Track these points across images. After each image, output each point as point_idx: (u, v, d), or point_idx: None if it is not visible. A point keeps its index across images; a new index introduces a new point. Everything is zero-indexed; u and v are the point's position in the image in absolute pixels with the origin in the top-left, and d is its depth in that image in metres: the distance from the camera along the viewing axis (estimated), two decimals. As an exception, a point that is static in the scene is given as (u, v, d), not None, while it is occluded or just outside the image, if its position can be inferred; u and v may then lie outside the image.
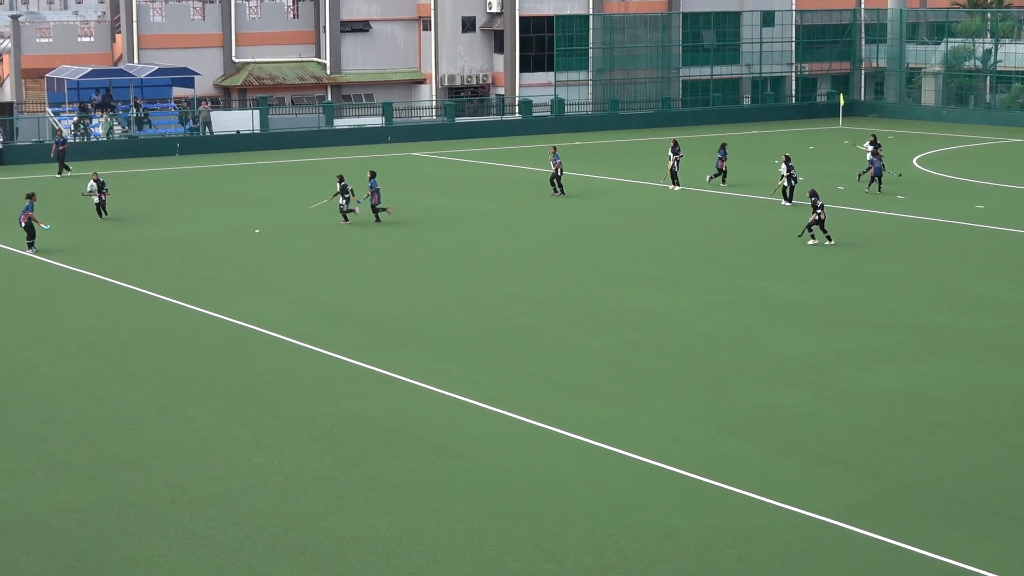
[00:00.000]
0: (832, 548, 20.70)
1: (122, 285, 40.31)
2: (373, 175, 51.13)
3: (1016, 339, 33.27)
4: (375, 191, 50.67)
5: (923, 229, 49.56)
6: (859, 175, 59.85)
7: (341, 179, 50.36)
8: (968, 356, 31.78)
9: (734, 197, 57.58)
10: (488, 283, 40.47)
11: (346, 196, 50.17)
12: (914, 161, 69.86)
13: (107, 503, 22.67)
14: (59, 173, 66.57)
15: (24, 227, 45.24)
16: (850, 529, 21.36)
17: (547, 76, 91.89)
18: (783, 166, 54.48)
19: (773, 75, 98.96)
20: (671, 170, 59.82)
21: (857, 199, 56.21)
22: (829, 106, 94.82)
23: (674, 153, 60.13)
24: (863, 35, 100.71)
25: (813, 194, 45.91)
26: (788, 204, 53.86)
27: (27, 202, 45.78)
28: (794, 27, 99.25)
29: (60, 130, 72.79)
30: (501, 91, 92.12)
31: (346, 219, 50.26)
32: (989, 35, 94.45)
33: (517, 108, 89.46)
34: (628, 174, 65.05)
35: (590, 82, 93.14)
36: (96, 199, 51.51)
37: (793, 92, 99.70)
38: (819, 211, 45.39)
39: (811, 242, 45.62)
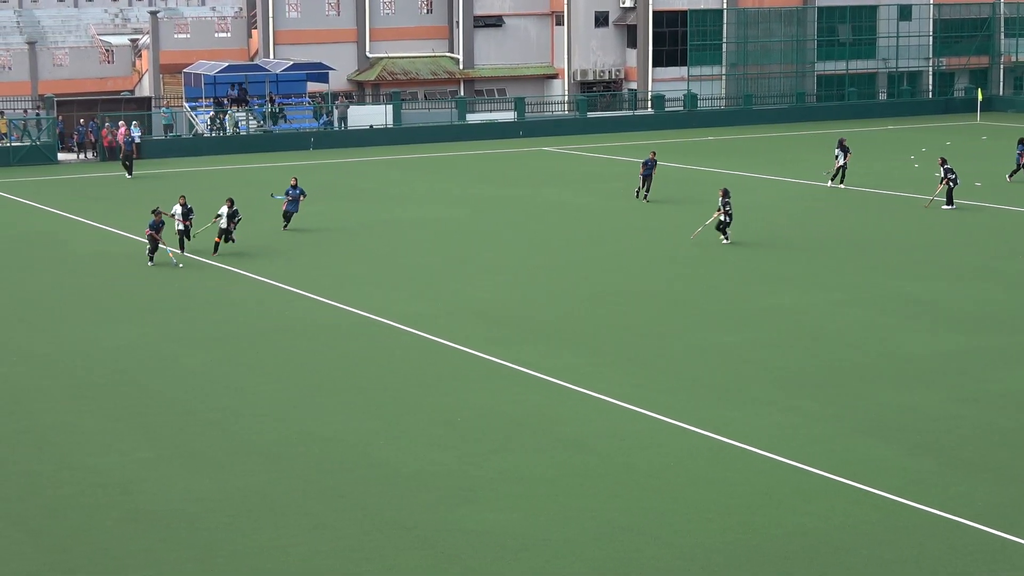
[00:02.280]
0: (968, 550, 20.37)
1: (258, 279, 40.74)
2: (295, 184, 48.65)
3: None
4: (295, 198, 48.27)
5: (1063, 226, 48.66)
6: (1009, 175, 59.30)
7: (231, 203, 44.42)
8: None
9: (870, 193, 56.92)
10: (622, 279, 40.34)
11: (228, 218, 44.18)
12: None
13: (240, 493, 22.91)
14: (129, 174, 65.82)
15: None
16: (987, 531, 21.00)
17: (680, 71, 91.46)
18: (941, 168, 52.40)
19: (910, 70, 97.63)
20: (840, 168, 58.54)
21: (995, 195, 55.28)
22: (967, 101, 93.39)
23: (844, 152, 58.81)
24: (1002, 29, 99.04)
25: (725, 194, 44.65)
26: (950, 207, 51.94)
27: (164, 215, 42.91)
28: (931, 21, 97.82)
29: (127, 129, 70.67)
30: (634, 86, 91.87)
31: (204, 247, 44.86)
32: None
33: (650, 103, 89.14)
34: (762, 170, 64.54)
35: (723, 77, 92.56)
36: (179, 225, 44.12)
37: (930, 87, 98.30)
38: (724, 212, 44.35)
39: (724, 242, 44.82)
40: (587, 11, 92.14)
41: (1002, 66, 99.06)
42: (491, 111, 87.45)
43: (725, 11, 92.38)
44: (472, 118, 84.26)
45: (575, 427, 26.41)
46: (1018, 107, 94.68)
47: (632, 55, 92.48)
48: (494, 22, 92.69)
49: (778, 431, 26.03)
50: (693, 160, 68.73)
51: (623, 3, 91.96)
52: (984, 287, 38.58)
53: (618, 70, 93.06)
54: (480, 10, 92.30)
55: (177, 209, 44.08)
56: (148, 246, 42.66)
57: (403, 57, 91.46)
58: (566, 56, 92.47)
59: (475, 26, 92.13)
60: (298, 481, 23.49)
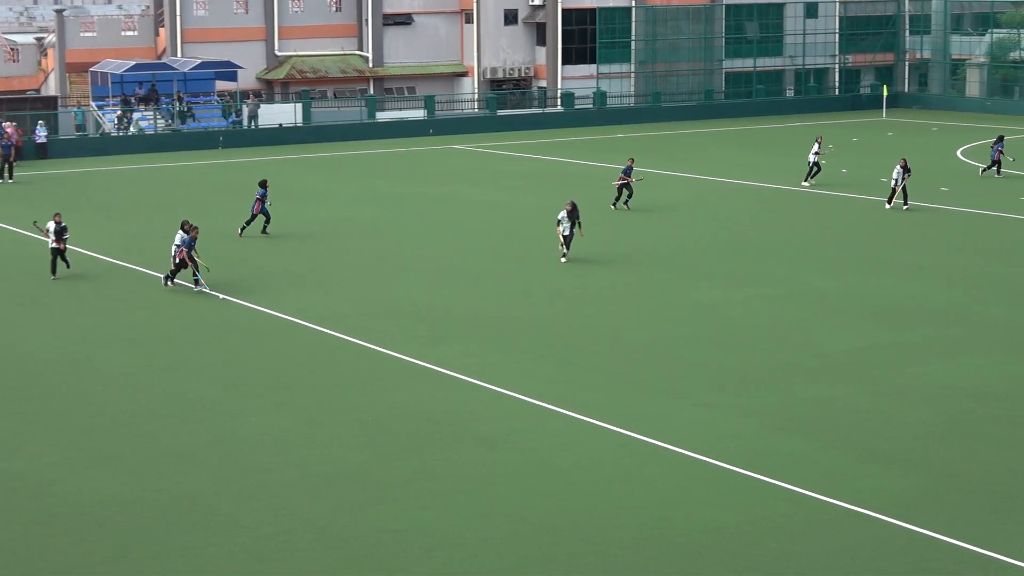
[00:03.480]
0: (879, 543, 20.56)
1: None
2: (262, 184, 47.39)
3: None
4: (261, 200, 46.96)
5: (968, 221, 49.25)
6: (982, 170, 60.16)
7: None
8: (1021, 350, 31.52)
9: (781, 190, 57.38)
10: (537, 276, 40.38)
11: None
12: (958, 153, 69.45)
13: (153, 495, 22.71)
14: (9, 177, 62.68)
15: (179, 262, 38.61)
16: (898, 524, 21.21)
17: (589, 68, 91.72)
18: (896, 169, 51.54)
19: (817, 67, 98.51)
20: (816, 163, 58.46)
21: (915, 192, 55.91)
22: (873, 98, 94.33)
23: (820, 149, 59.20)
24: (907, 26, 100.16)
25: (572, 207, 41.80)
26: (906, 207, 50.92)
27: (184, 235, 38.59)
28: (837, 18, 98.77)
29: (13, 130, 67.06)
30: (543, 84, 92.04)
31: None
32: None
33: (559, 100, 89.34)
34: (671, 166, 64.86)
35: (632, 74, 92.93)
36: (52, 243, 40.08)
37: (837, 84, 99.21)
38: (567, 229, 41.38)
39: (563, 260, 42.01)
40: (496, 9, 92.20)
41: (907, 63, 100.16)
42: (401, 109, 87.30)
43: (634, 9, 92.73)
44: (382, 116, 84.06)
45: (492, 425, 26.41)
46: (923, 103, 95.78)
47: (541, 53, 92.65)
48: (403, 20, 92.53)
49: (694, 427, 26.16)
50: (602, 158, 68.92)
51: (532, 1, 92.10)
52: (900, 282, 38.98)
53: (527, 68, 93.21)
54: (389, 8, 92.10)
55: (51, 226, 39.92)
56: (172, 268, 38.44)
57: (312, 55, 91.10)
58: (476, 54, 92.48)
59: (384, 24, 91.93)
60: (212, 482, 23.32)
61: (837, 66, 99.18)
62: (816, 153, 58.10)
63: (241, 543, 20.66)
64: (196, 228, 38.67)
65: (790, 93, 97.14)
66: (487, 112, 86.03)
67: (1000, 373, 29.69)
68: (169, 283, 38.86)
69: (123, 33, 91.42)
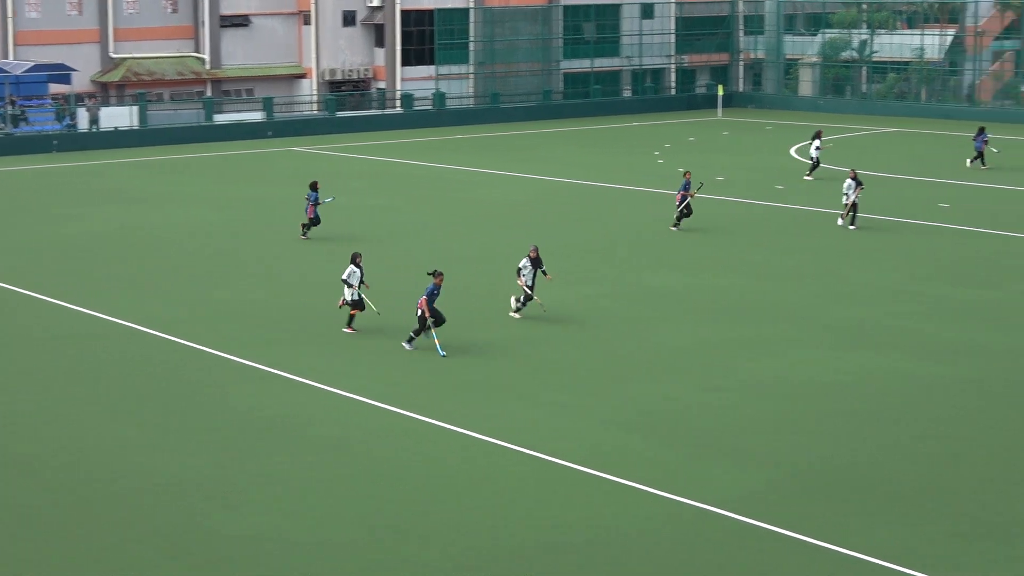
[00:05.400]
0: (719, 538, 20.90)
1: (2, 286, 39.77)
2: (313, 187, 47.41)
3: (906, 328, 33.69)
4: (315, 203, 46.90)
5: (801, 219, 50.14)
6: (807, 173, 60.97)
7: None
8: (856, 344, 32.17)
9: (618, 190, 57.91)
10: (379, 281, 40.32)
11: None
12: (792, 151, 70.65)
13: (-10, 507, 22.41)
14: None
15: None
16: (737, 518, 21.58)
17: (428, 70, 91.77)
18: (847, 182, 47.95)
19: (653, 67, 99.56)
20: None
21: (737, 190, 56.75)
22: (708, 97, 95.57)
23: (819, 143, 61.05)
24: (741, 26, 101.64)
25: (536, 253, 39.75)
26: (854, 228, 47.67)
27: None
28: (673, 19, 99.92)
29: None
30: (383, 85, 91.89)
31: None
32: (865, 26, 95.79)
33: (399, 102, 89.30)
34: (510, 167, 65.15)
35: (471, 75, 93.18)
36: None
37: (673, 84, 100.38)
38: None
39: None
40: (335, 10, 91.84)
41: (741, 63, 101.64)
42: (239, 111, 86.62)
43: (472, 10, 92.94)
44: (220, 119, 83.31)
45: (331, 428, 26.40)
46: (757, 102, 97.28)
47: (380, 54, 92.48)
48: (241, 22, 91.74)
49: (536, 426, 26.37)
50: (442, 159, 69.06)
51: (370, 2, 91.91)
52: (733, 280, 39.56)
53: (367, 69, 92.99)
54: (226, 9, 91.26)
55: None
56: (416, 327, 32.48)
57: (148, 57, 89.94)
58: (314, 55, 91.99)
59: (222, 26, 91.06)
60: (50, 493, 23.03)
61: (673, 66, 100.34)
62: (818, 148, 60.36)
63: (79, 555, 20.44)
64: (441, 274, 32.38)
65: (627, 93, 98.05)
66: (326, 114, 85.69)
67: (832, 367, 30.33)
68: (410, 344, 32.35)
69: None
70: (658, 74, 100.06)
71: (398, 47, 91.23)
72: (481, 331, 33.83)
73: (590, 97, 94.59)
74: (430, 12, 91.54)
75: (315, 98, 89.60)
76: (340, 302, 33.75)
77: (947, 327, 34.09)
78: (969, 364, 30.67)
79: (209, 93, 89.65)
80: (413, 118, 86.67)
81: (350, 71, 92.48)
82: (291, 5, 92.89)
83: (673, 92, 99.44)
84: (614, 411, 27.29)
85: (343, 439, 25.73)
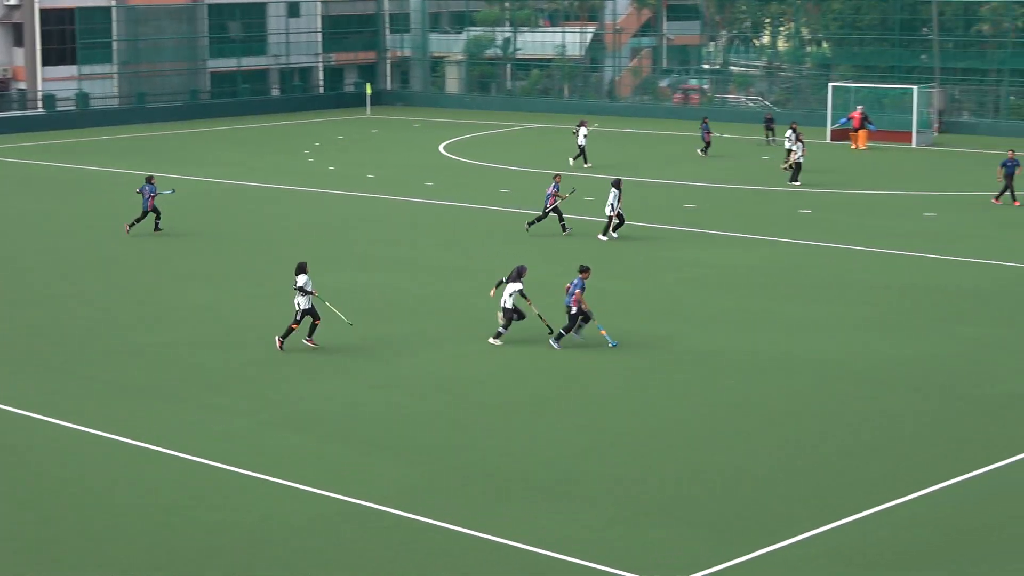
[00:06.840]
0: (384, 534, 21.12)
1: None
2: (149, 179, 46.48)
3: (559, 320, 34.36)
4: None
5: (454, 214, 50.84)
6: (574, 158, 61.94)
7: None
8: (505, 337, 32.73)
9: (270, 188, 57.76)
10: (38, 285, 39.39)
11: None
12: (440, 148, 71.54)
13: None
14: None
15: None
16: (400, 514, 21.82)
17: (71, 69, 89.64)
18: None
19: (301, 66, 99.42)
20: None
21: (387, 188, 57.15)
22: (357, 95, 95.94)
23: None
24: (388, 25, 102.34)
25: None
26: (606, 238, 45.03)
27: None
28: (320, 17, 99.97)
29: None
30: (23, 86, 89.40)
31: None
32: (508, 24, 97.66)
33: (40, 103, 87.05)
34: (157, 168, 64.20)
35: (115, 75, 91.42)
36: None
37: (321, 82, 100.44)
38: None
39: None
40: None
41: (389, 61, 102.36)
42: None
43: (114, 9, 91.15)
44: None
45: (-17, 441, 25.75)
46: (406, 100, 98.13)
47: (19, 54, 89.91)
48: None
49: (192, 429, 26.19)
50: (87, 160, 67.62)
51: (7, 1, 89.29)
52: (389, 276, 39.91)
53: (6, 70, 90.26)
54: None
55: None
56: None
57: None
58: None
59: None
60: None
61: (321, 65, 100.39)
62: (585, 136, 62.08)
63: None
64: (588, 270, 32.00)
65: (276, 92, 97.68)
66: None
67: (485, 361, 30.93)
68: (558, 343, 31.95)
69: None
70: (306, 73, 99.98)
71: (38, 47, 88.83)
72: (139, 334, 33.34)
73: (238, 96, 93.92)
74: (71, 11, 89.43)
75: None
76: (297, 315, 32.04)
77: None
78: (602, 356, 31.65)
79: None
80: (56, 119, 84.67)
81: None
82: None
83: (322, 91, 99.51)
84: (272, 411, 27.28)
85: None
